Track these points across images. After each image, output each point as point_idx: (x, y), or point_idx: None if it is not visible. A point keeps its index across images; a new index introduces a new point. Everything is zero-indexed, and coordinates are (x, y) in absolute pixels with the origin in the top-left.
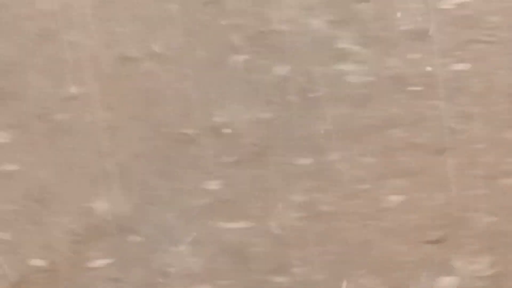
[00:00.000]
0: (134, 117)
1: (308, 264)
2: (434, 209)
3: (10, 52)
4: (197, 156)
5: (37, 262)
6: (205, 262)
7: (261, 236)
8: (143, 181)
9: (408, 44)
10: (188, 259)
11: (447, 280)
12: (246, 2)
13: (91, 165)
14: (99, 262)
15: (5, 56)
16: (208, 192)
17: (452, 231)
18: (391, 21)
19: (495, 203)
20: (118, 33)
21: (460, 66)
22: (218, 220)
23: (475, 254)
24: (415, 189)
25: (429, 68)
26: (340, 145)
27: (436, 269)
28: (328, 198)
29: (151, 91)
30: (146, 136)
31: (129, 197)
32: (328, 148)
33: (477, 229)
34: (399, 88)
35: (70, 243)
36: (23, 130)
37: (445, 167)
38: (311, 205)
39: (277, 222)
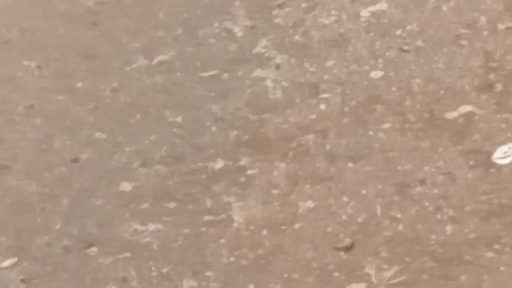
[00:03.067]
0: None
1: (221, 269)
2: (345, 216)
3: None
4: None
5: None
6: None
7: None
8: None
9: (325, 51)
10: None
11: (357, 286)
12: None
13: None
14: None
15: None
16: None
17: (362, 238)
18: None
19: (405, 211)
20: None
21: (375, 74)
22: None
23: (384, 261)
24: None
25: (344, 75)
26: (253, 151)
27: (346, 275)
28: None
29: None
30: None
31: None
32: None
33: (386, 237)
34: (314, 95)
35: None
36: None
37: (359, 174)
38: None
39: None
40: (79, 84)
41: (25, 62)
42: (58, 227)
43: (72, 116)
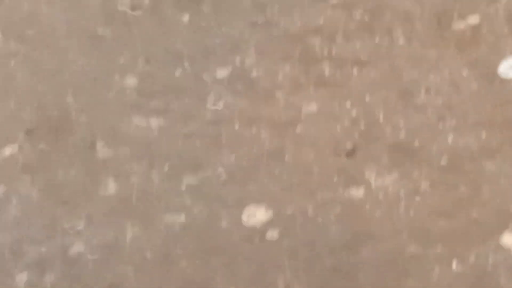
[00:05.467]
0: None
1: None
2: (348, 121)
3: None
4: None
5: None
6: None
7: None
8: None
9: None
10: None
11: (356, 191)
12: None
13: None
14: None
15: None
16: None
17: (364, 144)
18: None
19: (408, 119)
20: None
21: None
22: None
23: (384, 168)
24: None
25: None
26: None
27: (346, 179)
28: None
29: None
30: None
31: None
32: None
33: (388, 144)
34: None
35: None
36: None
37: (363, 80)
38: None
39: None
40: None
41: None
42: None
43: None
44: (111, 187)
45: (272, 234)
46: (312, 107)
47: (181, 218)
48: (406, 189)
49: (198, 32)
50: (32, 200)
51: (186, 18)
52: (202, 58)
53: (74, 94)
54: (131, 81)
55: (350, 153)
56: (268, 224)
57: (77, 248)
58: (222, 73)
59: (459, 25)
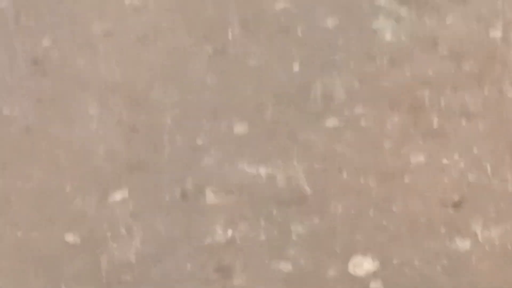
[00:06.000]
0: None
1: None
2: (455, 172)
3: None
4: None
5: None
6: None
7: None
8: None
9: (446, 7)
10: None
11: (462, 242)
12: None
13: None
14: None
15: None
16: None
17: (471, 196)
18: None
19: None
20: None
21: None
22: None
23: (491, 220)
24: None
25: (463, 33)
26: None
27: (452, 231)
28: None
29: None
30: None
31: None
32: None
33: (495, 196)
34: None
35: None
36: None
37: (472, 132)
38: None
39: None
40: None
41: None
42: None
43: None
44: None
45: (377, 286)
46: (420, 157)
47: (288, 266)
48: None
49: None
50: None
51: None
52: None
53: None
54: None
55: (457, 205)
56: (374, 275)
57: None
58: (331, 122)
59: None
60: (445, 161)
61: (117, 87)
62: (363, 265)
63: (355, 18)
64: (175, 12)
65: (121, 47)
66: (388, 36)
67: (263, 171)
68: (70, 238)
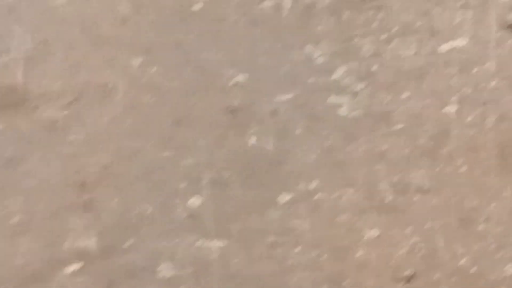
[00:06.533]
0: None
1: None
2: (408, 247)
3: None
4: None
5: None
6: None
7: None
8: None
9: (401, 83)
10: None
11: None
12: None
13: None
14: None
15: None
16: None
17: (423, 270)
18: (387, 59)
19: (468, 246)
20: None
21: (449, 109)
22: None
23: None
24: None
25: (418, 108)
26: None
27: None
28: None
29: None
30: None
31: None
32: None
33: (447, 271)
34: (387, 125)
35: None
36: None
37: (425, 206)
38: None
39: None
40: None
41: None
42: None
43: None
44: None
45: None
46: (373, 232)
47: None
48: None
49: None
50: None
51: None
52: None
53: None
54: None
55: (409, 280)
56: None
57: None
58: (284, 197)
59: None
60: (398, 235)
61: None
62: None
63: (311, 93)
64: None
65: None
66: (343, 111)
67: (217, 246)
68: None
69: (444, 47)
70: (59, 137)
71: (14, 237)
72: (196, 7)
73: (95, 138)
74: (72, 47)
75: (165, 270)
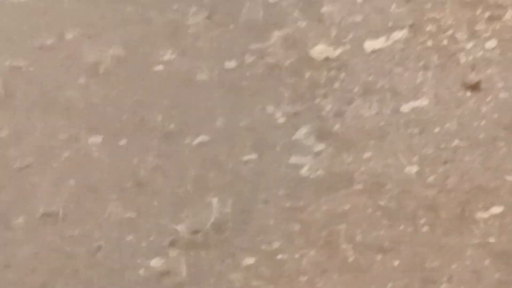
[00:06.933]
0: None
1: None
2: None
3: None
4: None
5: None
6: None
7: None
8: None
9: (363, 143)
10: None
11: None
12: None
13: None
14: None
15: None
16: None
17: None
18: (349, 118)
19: None
20: None
21: (410, 169)
22: None
23: None
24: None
25: (379, 168)
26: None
27: None
28: None
29: None
30: None
31: None
32: None
33: None
34: (349, 185)
35: None
36: None
37: (386, 267)
38: None
39: None
40: None
41: None
42: None
43: None
44: None
45: None
46: None
47: None
48: None
49: None
50: None
51: None
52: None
53: None
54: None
55: None
56: None
57: None
58: (248, 260)
59: (483, 215)
60: None
61: None
62: None
63: (272, 153)
64: None
65: None
66: (305, 171)
67: None
68: None
69: (406, 107)
70: None
71: None
72: (158, 67)
73: None
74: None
75: None
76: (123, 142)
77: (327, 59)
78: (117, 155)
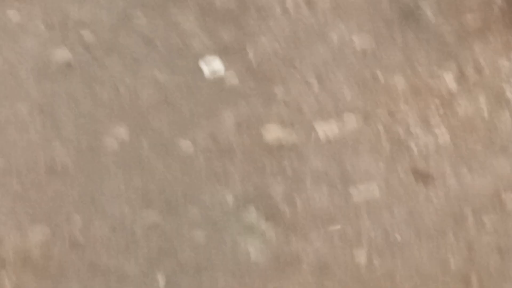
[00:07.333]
0: None
1: None
2: None
3: None
4: None
5: None
6: None
7: None
8: None
9: (310, 226)
10: None
11: None
12: None
13: None
14: None
15: None
16: None
17: None
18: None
19: None
20: None
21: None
22: None
23: None
24: None
25: (327, 253)
26: None
27: None
28: None
29: None
30: None
31: None
32: None
33: None
34: (296, 267)
35: None
36: None
37: None
38: None
39: None
40: None
41: None
42: None
43: None
44: None
45: None
46: None
47: None
48: None
49: None
50: None
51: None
52: None
53: None
54: None
55: None
56: None
57: None
58: None
59: None
60: None
61: None
62: None
63: (221, 235)
64: None
65: None
66: (253, 255)
67: None
68: None
69: (356, 194)
70: None
71: None
72: (111, 148)
73: None
74: None
75: None
76: None
77: (279, 142)
78: None
